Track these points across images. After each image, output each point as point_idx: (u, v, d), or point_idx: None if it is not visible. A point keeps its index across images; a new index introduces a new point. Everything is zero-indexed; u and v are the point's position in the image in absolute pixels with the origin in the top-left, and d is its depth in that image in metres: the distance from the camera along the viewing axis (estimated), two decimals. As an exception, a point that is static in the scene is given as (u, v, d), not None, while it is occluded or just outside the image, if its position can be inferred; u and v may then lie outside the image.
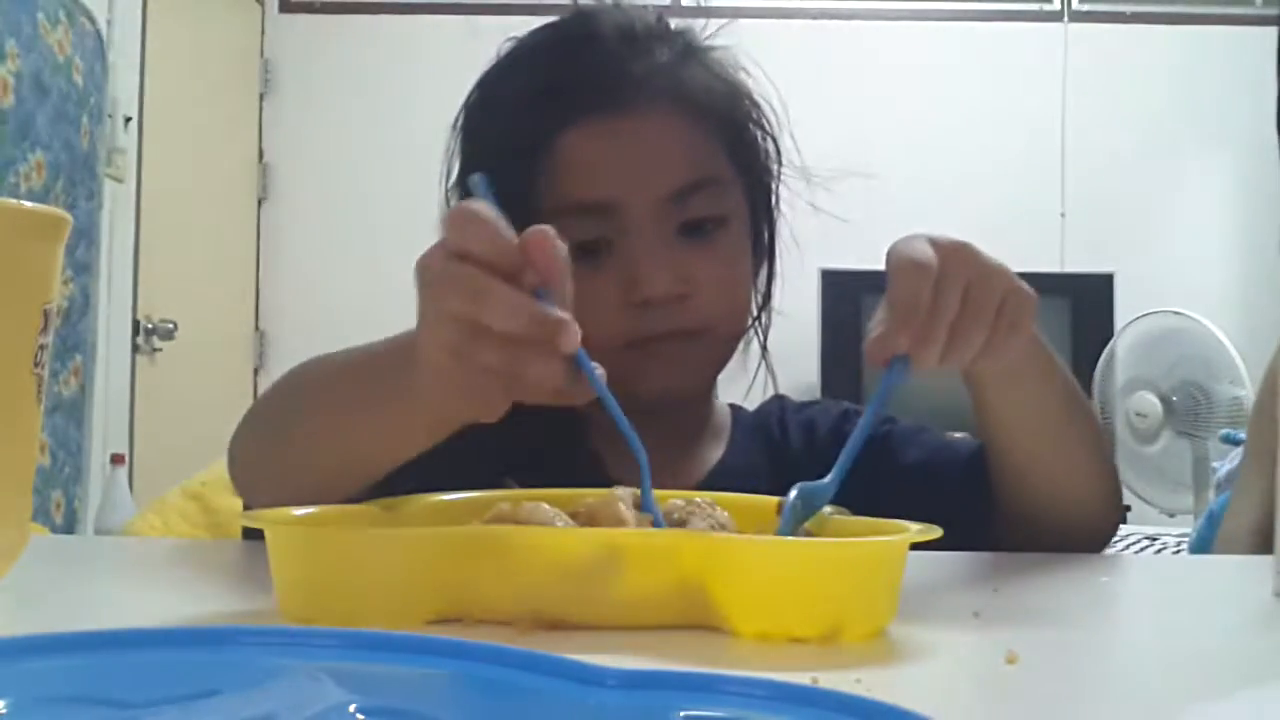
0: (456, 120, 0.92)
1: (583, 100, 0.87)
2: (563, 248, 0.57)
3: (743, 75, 0.94)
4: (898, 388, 0.63)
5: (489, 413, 0.59)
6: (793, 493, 0.60)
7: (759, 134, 0.94)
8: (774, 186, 0.95)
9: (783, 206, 0.95)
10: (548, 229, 0.56)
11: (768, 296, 0.96)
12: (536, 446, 0.81)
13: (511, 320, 0.55)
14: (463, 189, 0.76)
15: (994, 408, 0.77)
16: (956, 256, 0.64)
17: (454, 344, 0.56)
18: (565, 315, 0.55)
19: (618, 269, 0.84)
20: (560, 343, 0.55)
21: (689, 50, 0.92)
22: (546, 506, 0.56)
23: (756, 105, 0.94)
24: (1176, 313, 3.01)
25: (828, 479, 0.61)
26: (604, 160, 0.86)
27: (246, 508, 0.73)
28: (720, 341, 0.91)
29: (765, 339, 0.97)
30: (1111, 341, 3.16)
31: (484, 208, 0.57)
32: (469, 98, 0.92)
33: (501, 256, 0.55)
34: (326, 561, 0.52)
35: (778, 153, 0.95)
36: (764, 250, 0.94)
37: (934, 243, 0.64)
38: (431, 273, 0.57)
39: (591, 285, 0.80)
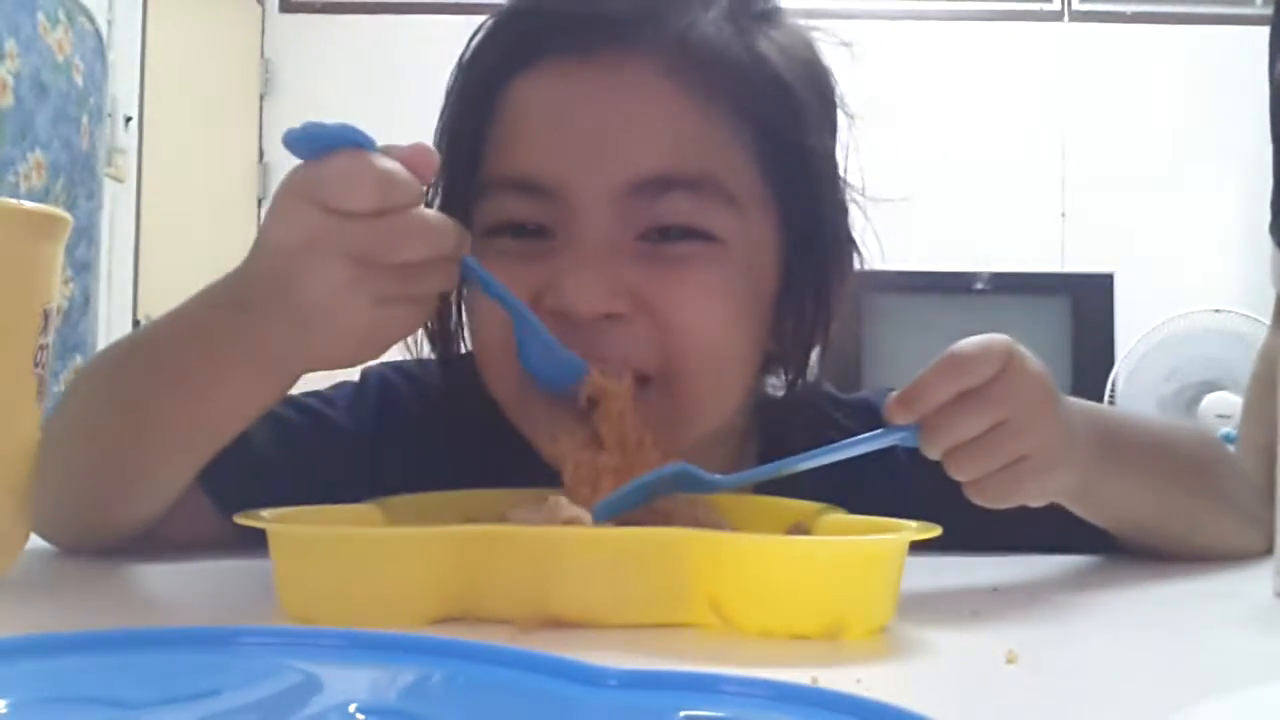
0: None
1: (541, 34, 0.67)
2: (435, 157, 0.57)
3: (814, 62, 0.73)
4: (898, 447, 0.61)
5: (371, 351, 0.58)
6: (672, 466, 0.58)
7: (818, 144, 0.71)
8: (837, 230, 0.72)
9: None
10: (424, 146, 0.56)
11: (801, 371, 0.74)
12: (489, 453, 0.71)
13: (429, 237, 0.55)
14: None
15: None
16: (1014, 384, 0.59)
17: (348, 282, 0.54)
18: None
19: (544, 265, 0.65)
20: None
21: (743, 7, 0.69)
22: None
23: (828, 104, 0.72)
24: (1215, 310, 2.98)
25: (722, 478, 0.60)
26: (550, 120, 0.66)
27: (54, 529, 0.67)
28: (677, 405, 0.66)
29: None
30: (1138, 341, 3.14)
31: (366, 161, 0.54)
32: None
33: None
34: (329, 561, 0.52)
35: (832, 179, 0.72)
36: (805, 309, 0.72)
37: (1012, 355, 0.59)
38: (327, 228, 0.54)
39: (509, 274, 0.64)
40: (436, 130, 0.73)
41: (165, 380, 0.63)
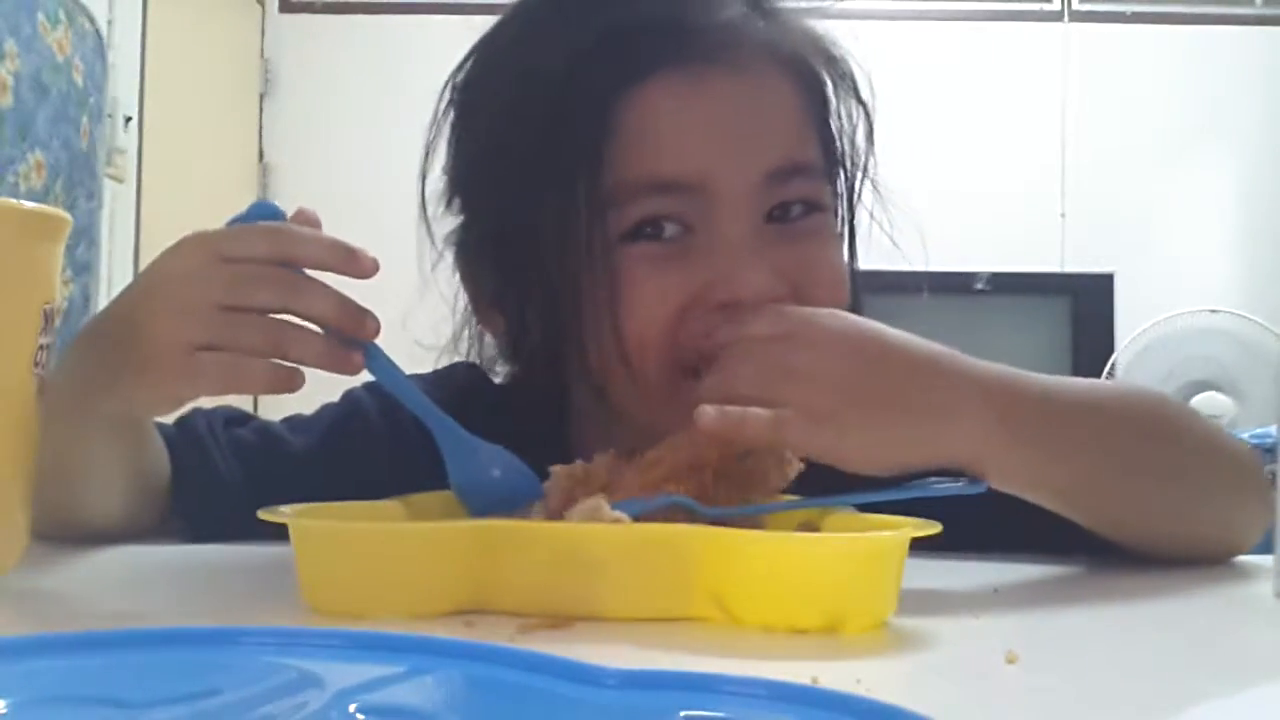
0: (441, 104, 0.80)
1: (658, 46, 0.71)
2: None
3: (828, 42, 0.79)
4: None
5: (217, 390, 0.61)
6: (672, 498, 0.58)
7: (848, 115, 0.79)
8: (857, 187, 0.80)
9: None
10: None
11: None
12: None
13: (321, 305, 0.60)
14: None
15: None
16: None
17: (208, 335, 0.59)
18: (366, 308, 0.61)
19: (696, 261, 0.70)
20: (366, 331, 0.61)
21: (766, 4, 0.77)
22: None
23: (854, 82, 0.79)
24: (1212, 310, 2.96)
25: (716, 510, 0.58)
26: (690, 123, 0.71)
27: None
28: None
29: None
30: (1131, 340, 3.14)
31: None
32: (462, 75, 0.78)
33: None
34: (351, 555, 0.53)
35: (869, 140, 0.80)
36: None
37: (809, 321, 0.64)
38: (216, 269, 0.59)
39: (658, 282, 0.70)
40: (507, 146, 0.73)
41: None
